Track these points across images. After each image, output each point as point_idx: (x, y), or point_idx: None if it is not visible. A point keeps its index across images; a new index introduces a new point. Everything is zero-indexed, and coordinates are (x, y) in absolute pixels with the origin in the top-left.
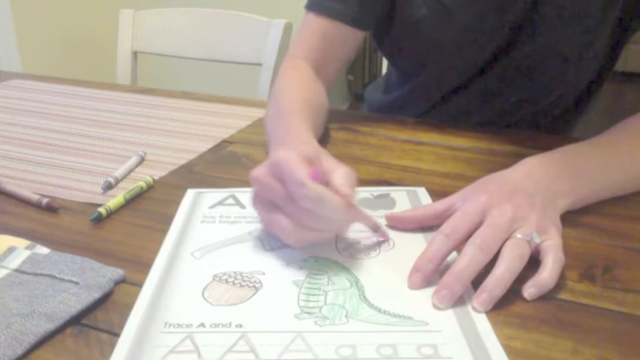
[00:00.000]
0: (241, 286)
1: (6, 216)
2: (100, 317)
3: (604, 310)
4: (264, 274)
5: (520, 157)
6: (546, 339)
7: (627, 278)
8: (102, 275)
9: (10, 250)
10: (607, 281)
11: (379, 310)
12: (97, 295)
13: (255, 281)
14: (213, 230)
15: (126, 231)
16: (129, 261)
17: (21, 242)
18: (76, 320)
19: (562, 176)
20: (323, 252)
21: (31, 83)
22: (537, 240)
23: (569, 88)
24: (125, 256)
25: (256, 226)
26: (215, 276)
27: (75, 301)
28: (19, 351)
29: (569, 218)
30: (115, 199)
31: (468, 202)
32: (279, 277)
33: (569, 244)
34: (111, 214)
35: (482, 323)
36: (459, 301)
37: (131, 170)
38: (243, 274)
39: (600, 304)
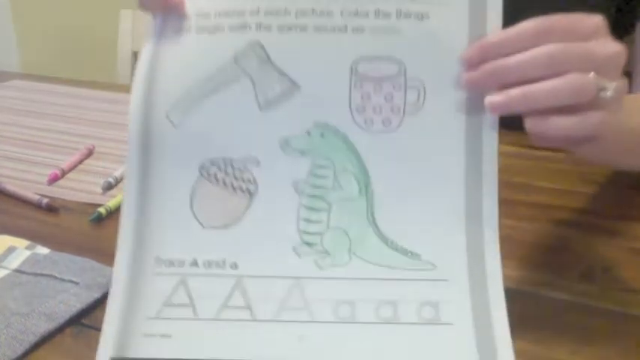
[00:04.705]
0: (233, 189)
1: (6, 216)
2: (100, 317)
3: (604, 310)
4: (258, 163)
5: (520, 157)
6: (546, 339)
7: (627, 278)
8: (102, 275)
9: (10, 250)
10: (607, 281)
11: (386, 242)
12: (97, 295)
13: (249, 180)
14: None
15: None
16: None
17: (21, 242)
18: (76, 320)
19: None
20: (333, 117)
21: (31, 84)
22: (609, 95)
23: None
24: None
25: (241, 43)
26: (202, 168)
27: (75, 301)
28: (19, 351)
29: (569, 218)
30: (114, 199)
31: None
32: (276, 172)
33: (570, 244)
34: (111, 214)
35: (494, 272)
36: (474, 239)
37: None
38: (234, 164)
39: (600, 304)
